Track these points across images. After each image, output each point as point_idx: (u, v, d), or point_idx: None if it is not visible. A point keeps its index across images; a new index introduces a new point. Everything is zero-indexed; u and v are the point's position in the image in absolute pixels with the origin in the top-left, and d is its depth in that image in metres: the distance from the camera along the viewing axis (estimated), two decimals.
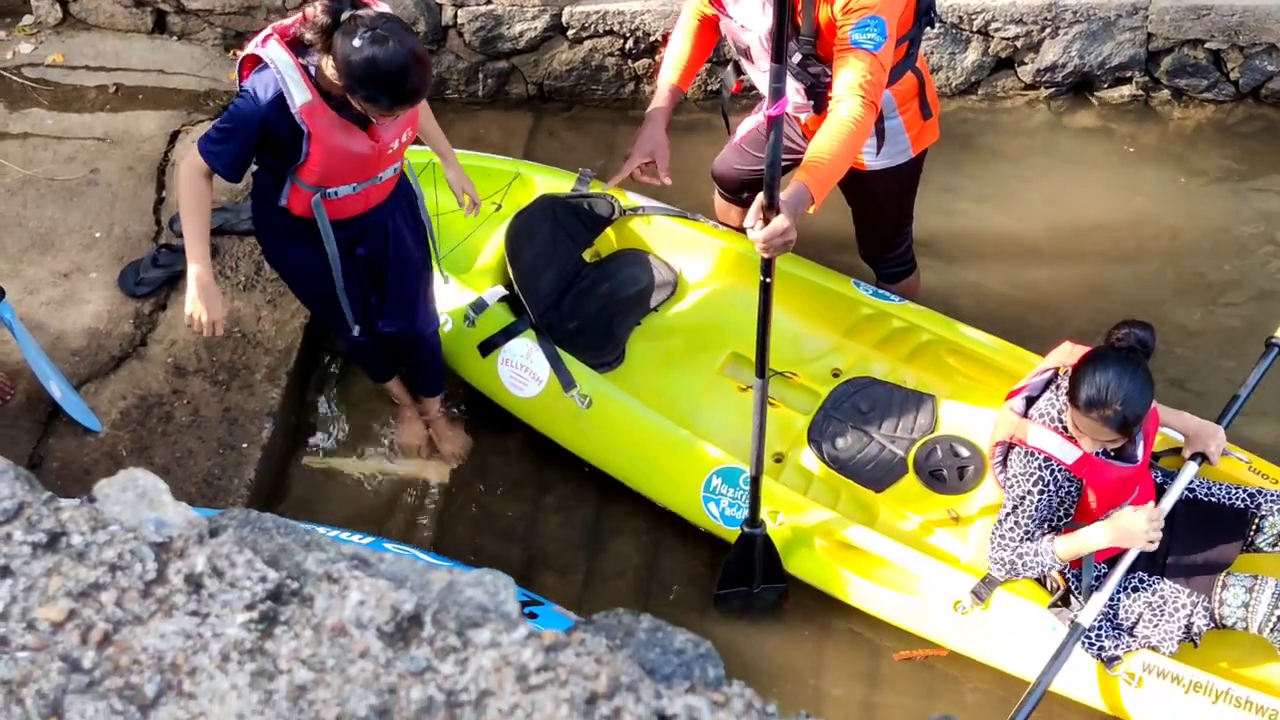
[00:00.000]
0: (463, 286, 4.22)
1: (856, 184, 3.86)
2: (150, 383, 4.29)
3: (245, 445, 4.19)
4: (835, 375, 4.26)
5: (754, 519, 3.72)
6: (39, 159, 4.84)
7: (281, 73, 3.14)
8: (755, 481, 3.62)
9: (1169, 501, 3.58)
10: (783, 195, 3.13)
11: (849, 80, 3.31)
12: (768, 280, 3.15)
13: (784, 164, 4.05)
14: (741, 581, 3.86)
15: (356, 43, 3.01)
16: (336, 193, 3.39)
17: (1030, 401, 3.51)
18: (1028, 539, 3.49)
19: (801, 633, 3.95)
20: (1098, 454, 3.38)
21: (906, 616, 3.77)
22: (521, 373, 4.11)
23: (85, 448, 4.12)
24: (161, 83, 5.12)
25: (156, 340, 4.39)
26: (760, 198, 3.05)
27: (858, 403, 4.16)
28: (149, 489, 1.32)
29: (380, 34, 3.00)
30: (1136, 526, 3.35)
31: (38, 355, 4.08)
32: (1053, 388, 3.49)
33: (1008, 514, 3.50)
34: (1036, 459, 3.40)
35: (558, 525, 4.24)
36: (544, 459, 4.29)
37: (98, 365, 4.31)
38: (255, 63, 3.23)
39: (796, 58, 3.53)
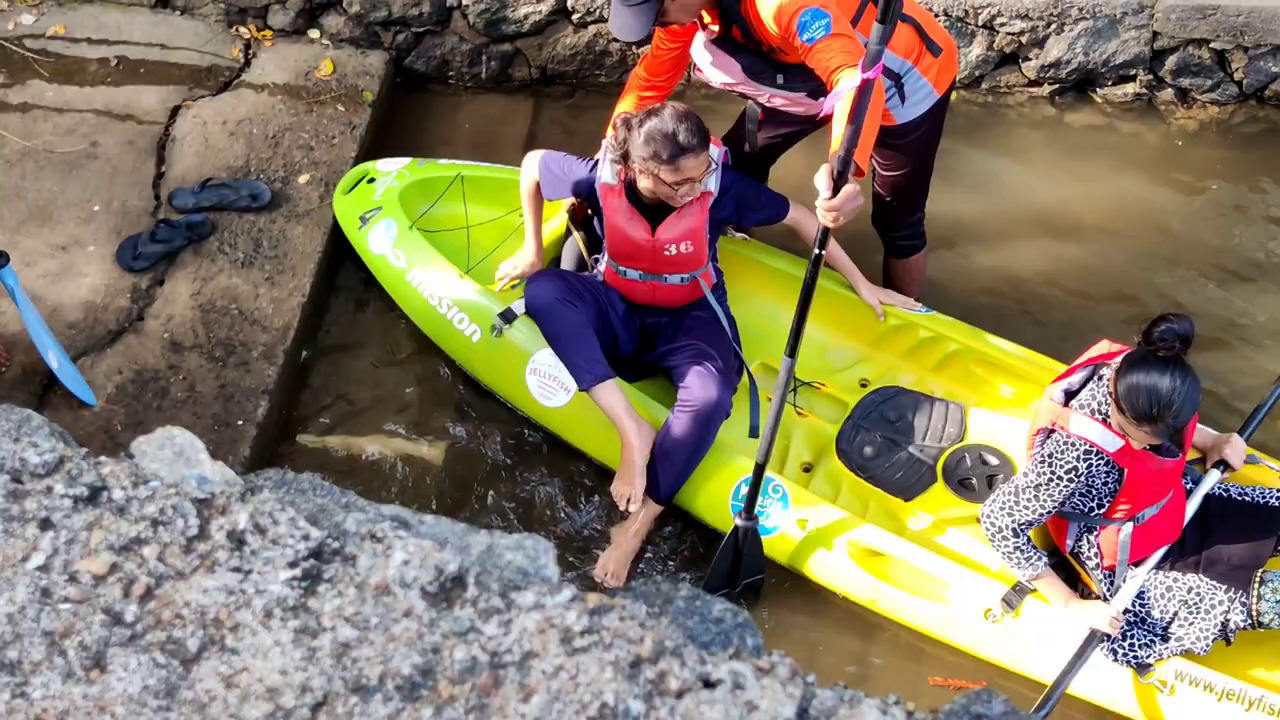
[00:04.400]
0: (490, 295, 4.23)
1: (888, 141, 3.89)
2: (146, 358, 4.26)
3: (240, 422, 4.16)
4: (863, 385, 4.27)
5: (750, 510, 3.70)
6: (39, 131, 4.80)
7: (603, 154, 3.91)
8: (759, 469, 3.60)
9: (1193, 505, 3.60)
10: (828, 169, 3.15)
11: (828, 65, 3.41)
12: (820, 252, 3.14)
13: (792, 133, 4.15)
14: (727, 579, 3.86)
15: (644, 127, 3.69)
16: (626, 272, 4.03)
17: (1069, 395, 3.49)
18: (1038, 521, 3.47)
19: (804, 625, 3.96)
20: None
21: (937, 625, 3.75)
22: (550, 383, 4.10)
23: (80, 421, 4.08)
24: (163, 57, 5.08)
25: (153, 315, 4.36)
26: (827, 166, 3.07)
27: (885, 412, 4.15)
28: (186, 446, 1.31)
29: (656, 109, 3.70)
30: (1100, 619, 3.48)
31: (38, 324, 4.04)
32: (1094, 380, 3.46)
33: (1031, 486, 3.44)
34: (1078, 448, 3.36)
35: (557, 508, 4.23)
36: (534, 445, 4.28)
37: (94, 339, 4.28)
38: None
39: (780, 79, 3.70)
